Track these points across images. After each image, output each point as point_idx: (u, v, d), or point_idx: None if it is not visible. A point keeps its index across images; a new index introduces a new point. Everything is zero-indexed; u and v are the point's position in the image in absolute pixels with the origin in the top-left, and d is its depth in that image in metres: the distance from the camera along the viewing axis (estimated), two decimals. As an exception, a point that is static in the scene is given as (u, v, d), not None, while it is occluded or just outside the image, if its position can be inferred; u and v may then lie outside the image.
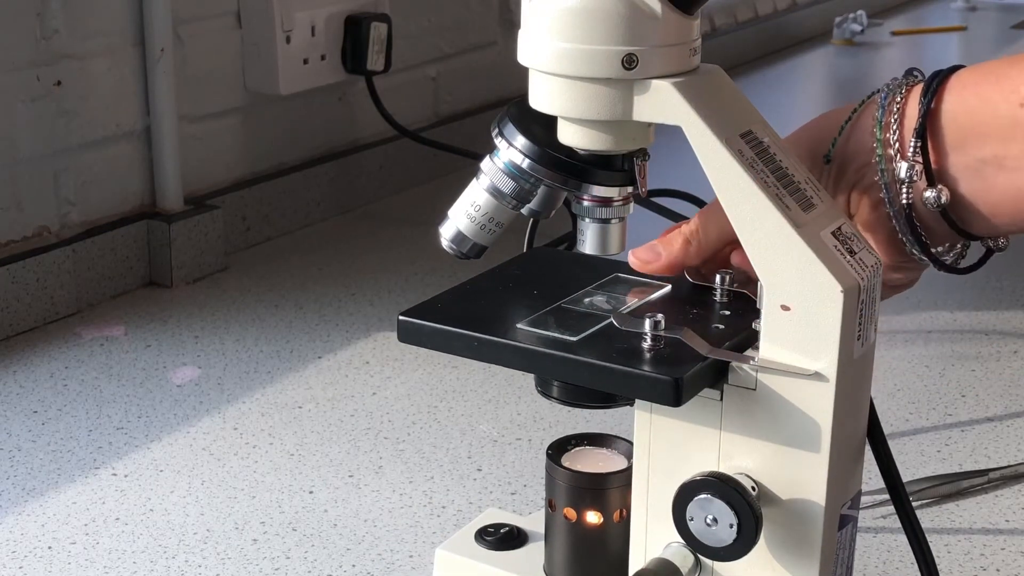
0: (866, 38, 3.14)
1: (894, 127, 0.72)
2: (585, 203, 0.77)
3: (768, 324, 0.70)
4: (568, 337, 0.74)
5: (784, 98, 2.64)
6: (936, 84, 0.71)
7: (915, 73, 0.73)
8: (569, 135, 0.74)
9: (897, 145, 0.72)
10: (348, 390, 1.31)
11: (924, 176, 0.71)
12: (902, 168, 0.71)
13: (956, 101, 0.71)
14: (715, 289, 0.80)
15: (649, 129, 0.74)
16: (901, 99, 0.72)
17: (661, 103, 0.70)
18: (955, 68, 0.72)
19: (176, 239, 1.58)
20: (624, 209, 0.78)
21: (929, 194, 0.71)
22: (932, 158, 0.71)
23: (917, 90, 0.72)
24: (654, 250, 0.78)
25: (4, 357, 1.38)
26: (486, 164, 0.79)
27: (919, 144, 0.71)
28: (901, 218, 0.73)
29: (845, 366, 0.70)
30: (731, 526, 0.69)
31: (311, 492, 1.12)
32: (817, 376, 0.69)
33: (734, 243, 0.74)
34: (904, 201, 0.72)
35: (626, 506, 0.79)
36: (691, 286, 0.81)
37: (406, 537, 1.05)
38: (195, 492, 1.12)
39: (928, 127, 0.71)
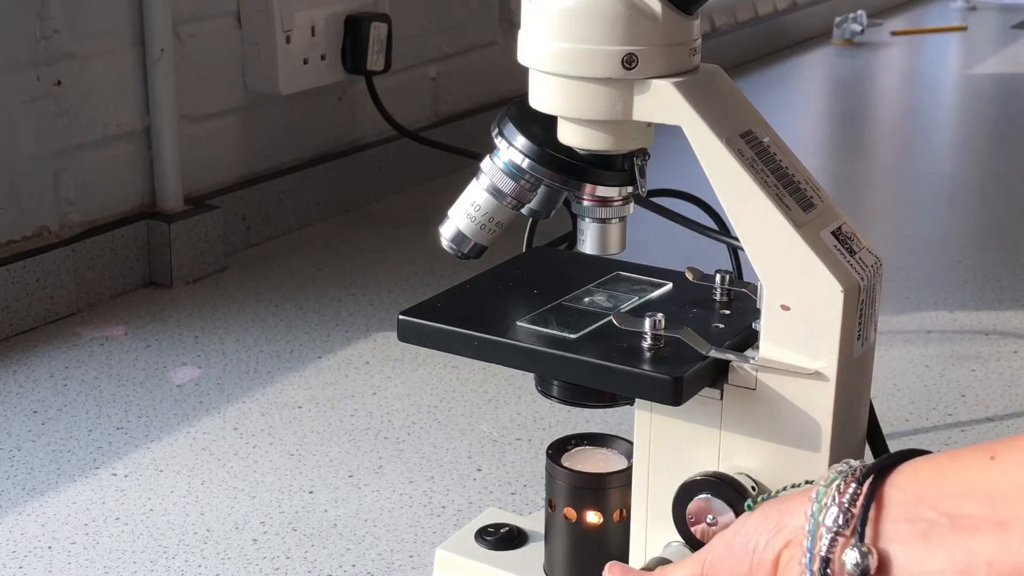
0: (866, 38, 3.14)
1: (832, 495, 0.58)
2: (585, 203, 0.77)
3: (768, 324, 0.70)
4: (568, 335, 0.74)
5: (784, 98, 2.64)
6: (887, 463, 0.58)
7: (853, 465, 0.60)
8: (569, 135, 0.74)
9: (835, 495, 0.58)
10: (348, 390, 1.31)
11: (854, 531, 0.56)
12: (830, 516, 0.57)
13: (909, 472, 0.57)
14: (715, 288, 0.80)
15: (649, 129, 0.74)
16: (844, 484, 0.59)
17: (661, 103, 0.70)
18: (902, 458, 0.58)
19: (176, 239, 1.58)
20: (624, 209, 0.78)
21: (851, 556, 0.56)
22: (873, 513, 0.57)
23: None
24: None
25: (4, 357, 1.38)
26: (486, 164, 0.79)
27: (860, 495, 0.57)
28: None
29: (845, 366, 0.70)
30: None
31: (311, 492, 1.12)
32: (817, 376, 0.69)
33: None
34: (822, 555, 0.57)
35: (626, 506, 0.79)
36: (692, 285, 0.81)
37: (406, 537, 1.05)
38: (195, 492, 1.12)
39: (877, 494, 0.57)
